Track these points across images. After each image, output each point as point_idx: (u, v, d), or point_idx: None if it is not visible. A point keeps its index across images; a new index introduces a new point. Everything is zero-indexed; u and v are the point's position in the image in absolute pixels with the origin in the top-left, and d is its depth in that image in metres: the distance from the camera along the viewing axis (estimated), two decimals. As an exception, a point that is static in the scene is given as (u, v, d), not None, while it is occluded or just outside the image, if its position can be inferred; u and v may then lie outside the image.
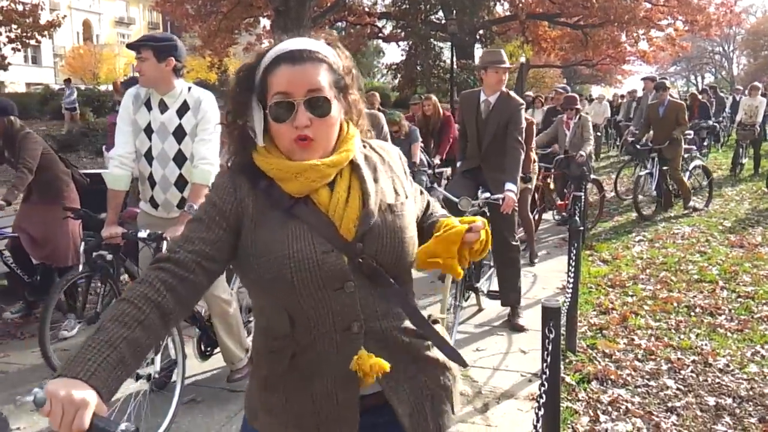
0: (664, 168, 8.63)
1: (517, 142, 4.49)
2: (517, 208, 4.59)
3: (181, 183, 3.36)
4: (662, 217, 8.72)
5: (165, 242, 3.07)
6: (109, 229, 3.34)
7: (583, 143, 7.52)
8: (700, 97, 15.46)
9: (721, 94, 18.76)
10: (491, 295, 4.89)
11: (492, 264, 5.06)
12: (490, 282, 5.02)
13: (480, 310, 4.94)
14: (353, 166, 1.37)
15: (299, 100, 1.28)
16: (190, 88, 3.36)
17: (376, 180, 1.39)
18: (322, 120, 1.30)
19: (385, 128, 6.42)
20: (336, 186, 1.34)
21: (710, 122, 14.54)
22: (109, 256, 3.70)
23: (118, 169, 3.35)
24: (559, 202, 8.09)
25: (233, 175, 1.36)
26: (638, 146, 8.87)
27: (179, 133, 3.30)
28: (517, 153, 4.49)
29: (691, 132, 10.92)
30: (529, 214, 6.45)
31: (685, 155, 9.49)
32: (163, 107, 3.30)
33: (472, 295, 4.83)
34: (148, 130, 3.32)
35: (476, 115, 4.69)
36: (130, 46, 3.35)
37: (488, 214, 4.67)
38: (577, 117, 7.76)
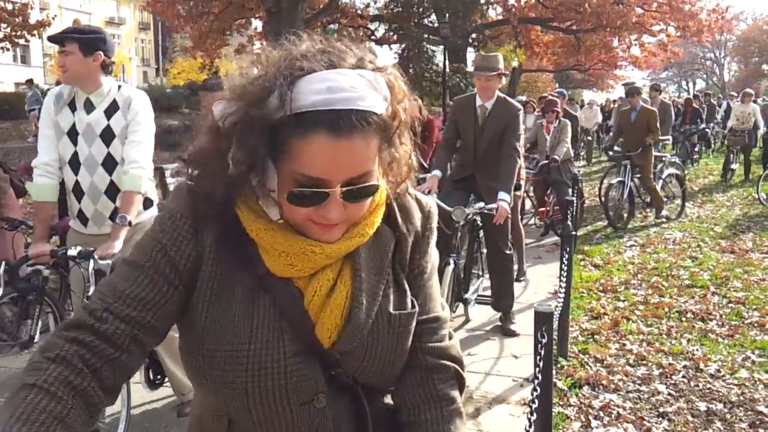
0: (637, 176, 8.44)
1: (514, 150, 4.32)
2: (509, 216, 4.44)
3: (112, 191, 2.97)
4: (654, 222, 8.75)
5: (92, 261, 2.76)
6: (36, 246, 2.94)
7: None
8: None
9: (713, 101, 18.89)
10: (480, 299, 4.85)
11: (480, 273, 5.02)
12: (478, 290, 4.96)
13: (467, 321, 4.84)
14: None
15: (335, 190, 0.91)
16: (119, 87, 3.01)
17: (378, 272, 1.04)
18: (359, 204, 0.96)
19: None
20: (320, 271, 1.00)
21: (701, 127, 14.66)
22: (47, 272, 3.29)
23: (43, 178, 2.96)
24: (540, 209, 7.91)
25: (197, 213, 0.98)
26: (610, 153, 8.72)
27: (107, 135, 2.93)
28: (513, 161, 4.31)
29: (669, 138, 10.82)
30: (520, 223, 6.24)
31: (663, 160, 9.42)
32: (90, 107, 2.94)
33: (460, 305, 4.70)
34: (72, 133, 2.94)
35: (473, 121, 4.50)
36: (52, 38, 2.98)
37: (481, 223, 4.63)
38: (557, 121, 7.54)
